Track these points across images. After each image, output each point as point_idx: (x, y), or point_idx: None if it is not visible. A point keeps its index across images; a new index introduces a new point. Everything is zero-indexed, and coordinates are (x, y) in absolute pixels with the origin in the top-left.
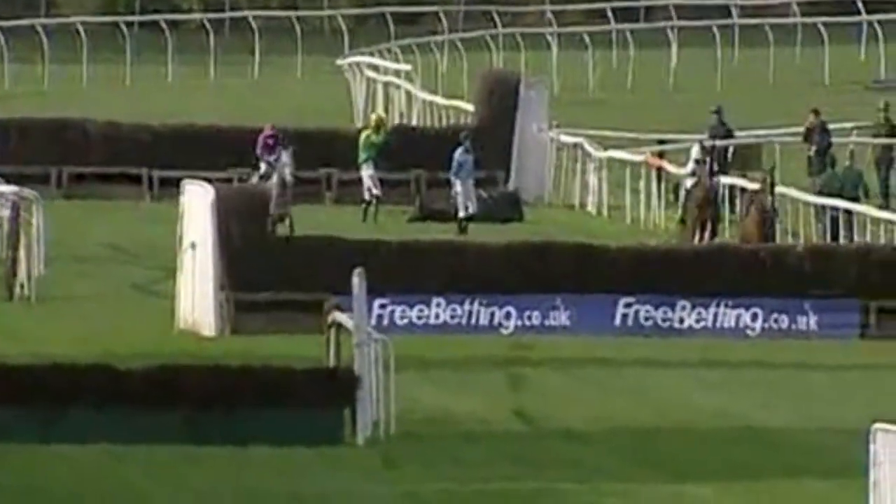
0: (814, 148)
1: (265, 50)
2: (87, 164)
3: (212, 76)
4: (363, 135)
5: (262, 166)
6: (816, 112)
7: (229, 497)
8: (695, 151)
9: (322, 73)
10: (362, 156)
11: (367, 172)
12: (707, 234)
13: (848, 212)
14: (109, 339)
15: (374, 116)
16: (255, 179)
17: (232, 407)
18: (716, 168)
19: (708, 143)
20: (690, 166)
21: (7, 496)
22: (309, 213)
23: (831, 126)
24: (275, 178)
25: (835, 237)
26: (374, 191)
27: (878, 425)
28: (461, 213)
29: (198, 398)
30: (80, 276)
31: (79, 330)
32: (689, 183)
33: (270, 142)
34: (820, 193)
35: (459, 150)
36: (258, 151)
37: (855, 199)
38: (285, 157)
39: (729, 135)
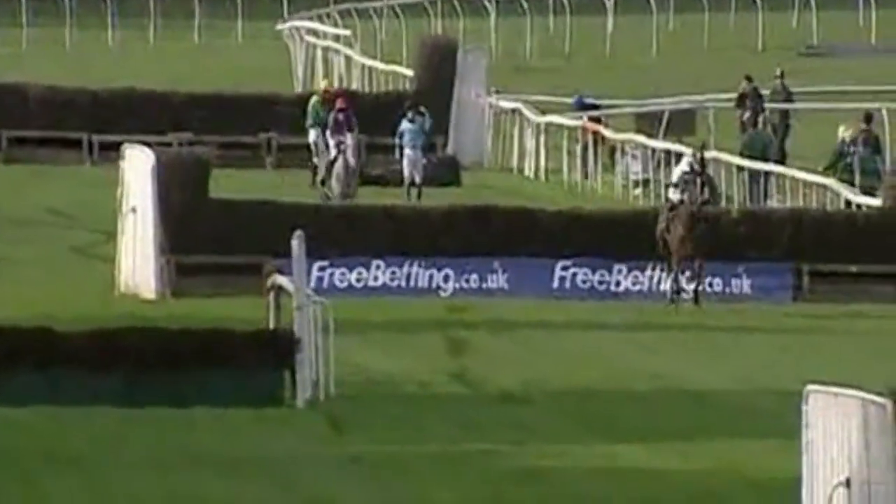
0: (747, 113)
1: (205, 14)
2: (26, 128)
3: (152, 41)
4: (313, 99)
5: (332, 151)
6: (749, 78)
7: (170, 459)
8: (684, 162)
9: (262, 37)
10: (309, 120)
11: (311, 138)
12: (690, 275)
13: (770, 174)
14: (50, 302)
15: (324, 84)
16: (322, 165)
17: (172, 369)
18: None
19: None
20: (678, 174)
21: None
22: (249, 176)
23: (764, 92)
24: (339, 162)
25: (757, 198)
26: (315, 159)
27: (811, 387)
28: (405, 179)
29: (138, 360)
30: (19, 240)
31: (19, 294)
32: (674, 195)
33: (341, 117)
34: (741, 155)
35: (404, 120)
36: (329, 131)
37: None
38: (350, 139)
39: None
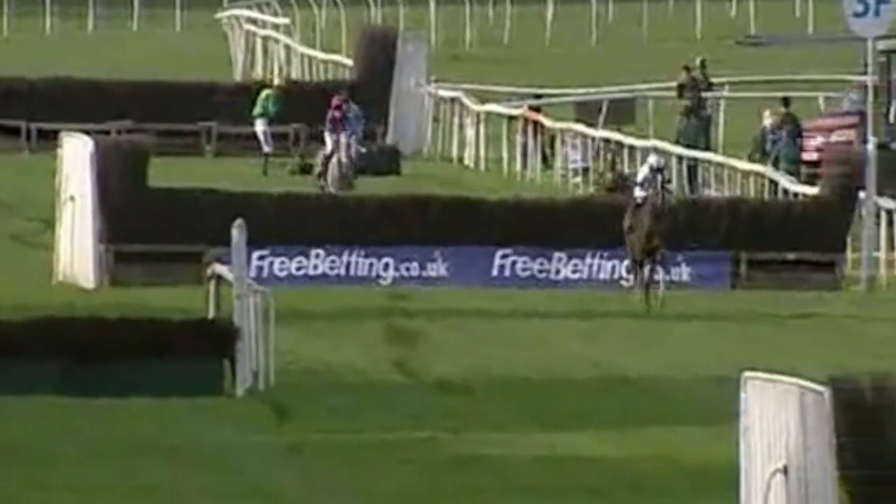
0: (686, 104)
1: (144, 3)
2: None
3: (90, 29)
4: (264, 92)
5: (329, 144)
6: (687, 68)
7: (109, 448)
8: (649, 161)
9: (201, 26)
10: (257, 109)
11: (259, 128)
12: (648, 271)
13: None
14: None
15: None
16: (318, 161)
17: (111, 358)
18: (667, 184)
19: (659, 162)
20: (643, 173)
21: None
22: (189, 165)
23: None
24: (334, 159)
25: (695, 187)
26: (266, 147)
27: (748, 374)
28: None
29: (77, 350)
30: None
31: None
32: (638, 194)
33: (338, 114)
34: (677, 143)
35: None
36: (326, 127)
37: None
38: (343, 137)
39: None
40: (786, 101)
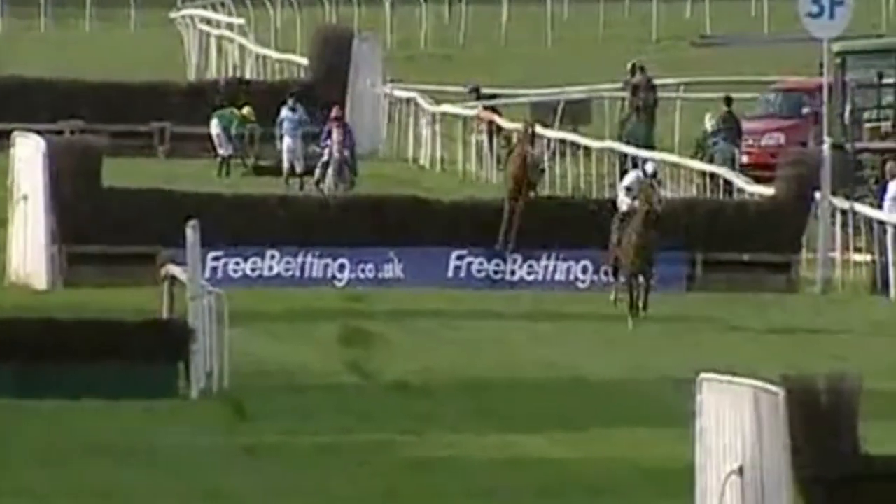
0: (639, 104)
1: (97, 2)
2: None
3: (42, 29)
4: (229, 110)
5: (325, 154)
6: (641, 69)
7: (62, 452)
8: (648, 166)
9: (155, 25)
10: (218, 114)
11: (214, 130)
12: (640, 292)
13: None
14: None
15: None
16: (317, 169)
17: (64, 360)
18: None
19: (654, 168)
20: (631, 179)
21: None
22: (142, 165)
23: (658, 82)
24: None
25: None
26: (220, 150)
27: (704, 375)
28: (285, 168)
29: (30, 351)
30: None
31: None
32: (623, 199)
33: (337, 124)
34: (626, 143)
35: (284, 107)
36: (322, 138)
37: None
38: (336, 134)
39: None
40: (728, 101)
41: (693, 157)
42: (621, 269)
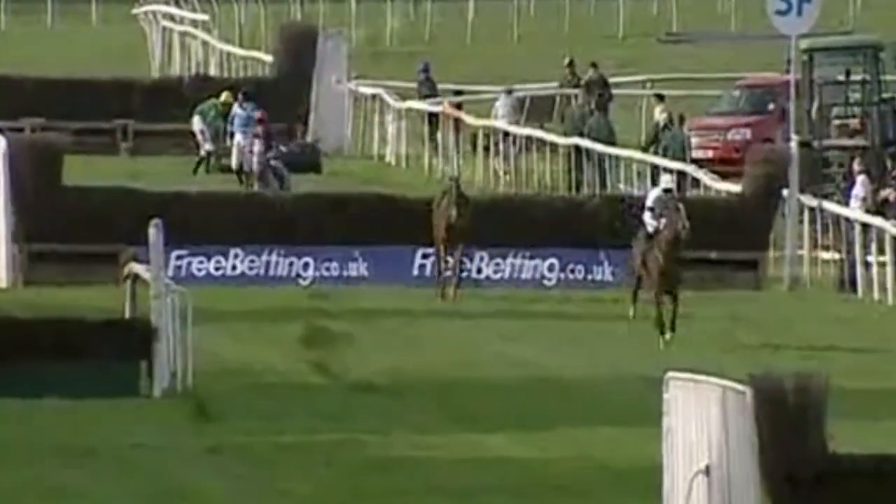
0: (593, 100)
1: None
2: None
3: (3, 25)
4: (211, 101)
5: (245, 163)
6: (594, 65)
7: (22, 451)
8: (665, 180)
9: (117, 21)
10: (198, 110)
11: (197, 126)
12: (668, 302)
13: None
14: None
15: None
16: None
17: (25, 359)
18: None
19: (671, 182)
20: (653, 197)
21: None
22: (104, 163)
23: (625, 79)
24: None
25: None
26: (206, 146)
27: (671, 374)
28: (234, 165)
29: None
30: None
31: None
32: (649, 220)
33: (262, 135)
34: (589, 137)
35: (235, 104)
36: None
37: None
38: (257, 145)
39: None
40: (660, 97)
41: (645, 148)
42: (644, 288)
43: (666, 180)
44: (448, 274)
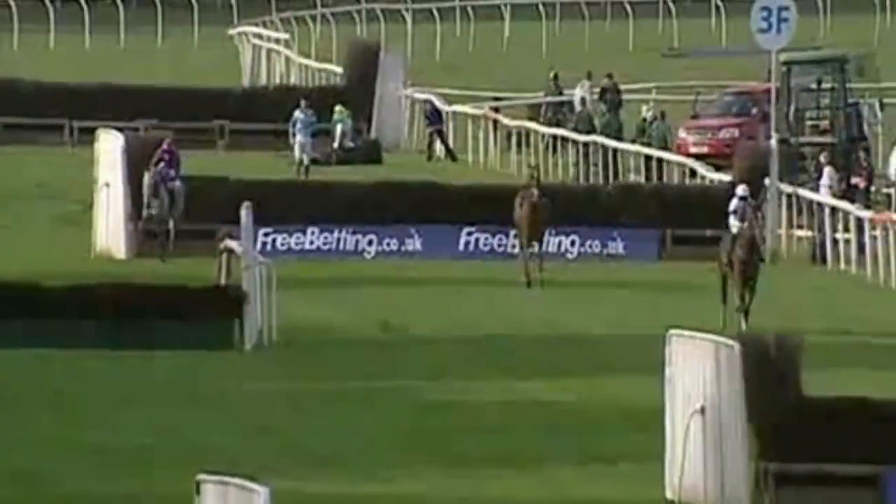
0: (605, 105)
1: (167, 21)
2: (17, 115)
3: (122, 44)
4: (338, 107)
5: (147, 177)
6: (610, 76)
7: (138, 395)
8: (740, 190)
9: (215, 40)
10: (335, 119)
11: (339, 129)
12: (747, 295)
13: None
14: (37, 262)
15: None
16: (146, 194)
17: (140, 318)
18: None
19: (745, 191)
20: (733, 205)
21: None
22: (204, 157)
23: (635, 86)
24: (162, 192)
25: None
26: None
27: (672, 331)
28: (296, 159)
29: (111, 311)
30: (11, 210)
31: (11, 255)
32: (734, 223)
33: (167, 157)
34: (602, 135)
35: (297, 110)
36: (152, 163)
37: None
38: (172, 172)
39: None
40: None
41: (635, 140)
42: (728, 283)
43: (741, 189)
44: (532, 260)
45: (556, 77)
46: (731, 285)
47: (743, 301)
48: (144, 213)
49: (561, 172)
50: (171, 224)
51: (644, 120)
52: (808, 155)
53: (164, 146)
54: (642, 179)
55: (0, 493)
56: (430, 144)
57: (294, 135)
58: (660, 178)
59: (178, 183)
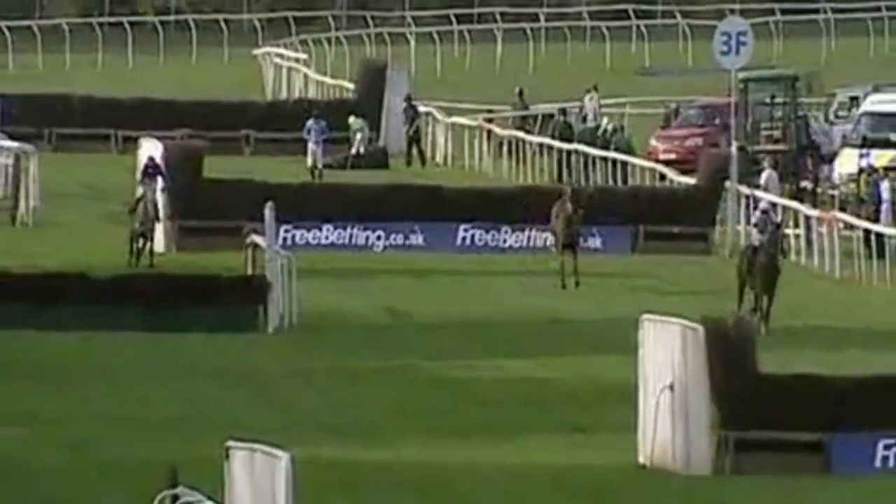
0: (589, 115)
1: (200, 43)
2: (70, 125)
3: (161, 63)
4: (353, 118)
5: (140, 189)
6: (589, 91)
7: (176, 371)
8: (763, 204)
9: (242, 60)
10: (354, 127)
11: (358, 136)
12: (765, 304)
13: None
14: (86, 254)
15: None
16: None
17: (176, 304)
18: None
19: (768, 206)
20: (755, 219)
21: (9, 370)
22: (231, 162)
23: (611, 100)
24: (142, 203)
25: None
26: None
27: (644, 316)
28: (309, 164)
29: (151, 298)
30: (64, 208)
31: (63, 248)
32: (755, 238)
33: (151, 171)
34: (579, 142)
35: (310, 120)
36: (139, 177)
37: (605, 148)
38: (160, 182)
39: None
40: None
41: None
42: (749, 292)
43: (763, 204)
44: (568, 265)
45: (521, 93)
46: (748, 290)
47: (760, 306)
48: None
49: (548, 177)
50: (148, 233)
51: (605, 131)
52: (762, 161)
53: (148, 160)
54: (619, 183)
55: (54, 459)
56: (409, 150)
57: (306, 143)
58: (624, 181)
59: (159, 195)
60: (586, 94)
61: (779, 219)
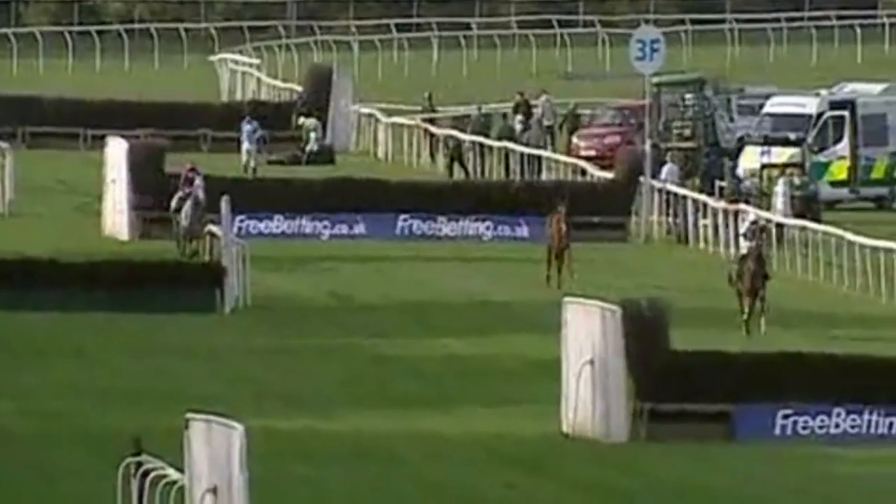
0: (519, 117)
1: (162, 49)
2: (42, 125)
3: (126, 67)
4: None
5: (175, 199)
6: (521, 93)
7: (142, 349)
8: (752, 215)
9: (200, 65)
10: (305, 128)
11: (314, 135)
12: (758, 302)
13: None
14: (58, 242)
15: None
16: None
17: (140, 287)
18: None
19: (757, 216)
20: (746, 226)
21: None
22: (190, 158)
23: (535, 102)
24: (189, 201)
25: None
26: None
27: (567, 298)
28: (243, 162)
29: (118, 282)
30: (38, 201)
31: (37, 237)
32: (743, 245)
33: (191, 175)
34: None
35: (244, 122)
36: (180, 185)
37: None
38: (199, 180)
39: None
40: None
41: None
42: (743, 295)
43: (751, 216)
44: (561, 269)
45: (430, 97)
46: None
47: (752, 310)
48: (176, 227)
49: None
50: (193, 231)
51: (513, 130)
52: (673, 157)
53: (185, 172)
54: (544, 177)
55: (29, 427)
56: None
57: (240, 142)
58: (538, 174)
59: (199, 196)
60: (541, 94)
61: (762, 224)
